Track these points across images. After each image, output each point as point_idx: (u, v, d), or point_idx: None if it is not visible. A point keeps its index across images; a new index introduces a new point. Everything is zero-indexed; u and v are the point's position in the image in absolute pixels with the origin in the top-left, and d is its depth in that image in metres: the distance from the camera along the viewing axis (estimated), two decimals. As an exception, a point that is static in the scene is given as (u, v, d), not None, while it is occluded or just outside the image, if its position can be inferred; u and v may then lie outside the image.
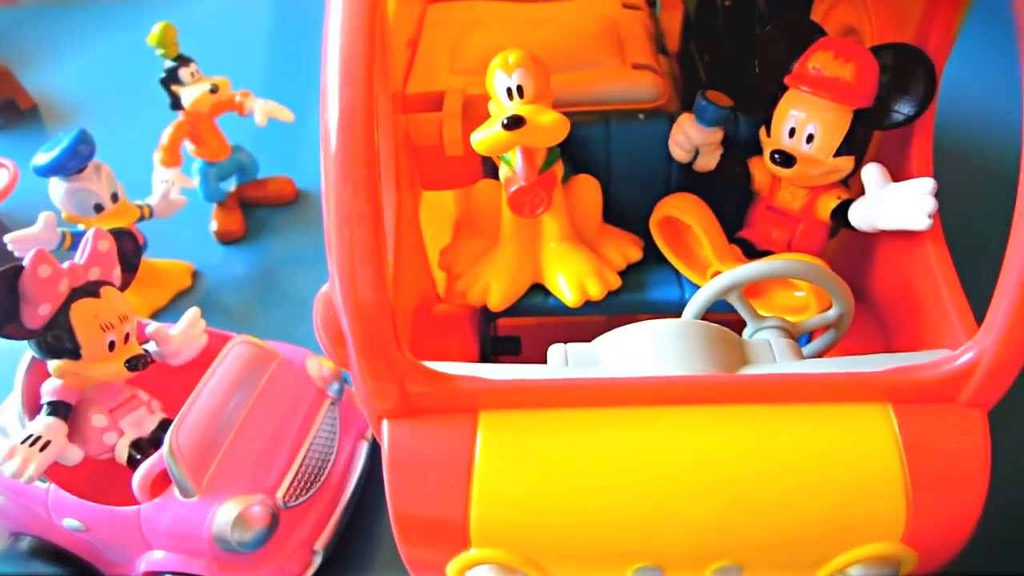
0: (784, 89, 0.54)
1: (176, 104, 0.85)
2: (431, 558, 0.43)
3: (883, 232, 0.52)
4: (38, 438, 0.51)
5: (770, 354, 0.46)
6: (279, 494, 0.55)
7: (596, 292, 0.56)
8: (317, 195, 0.95)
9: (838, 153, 0.52)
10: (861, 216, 0.52)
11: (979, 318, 0.43)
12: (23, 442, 0.51)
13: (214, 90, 0.84)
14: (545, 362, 0.45)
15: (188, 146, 0.89)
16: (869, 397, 0.41)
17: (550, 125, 0.49)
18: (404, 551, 0.43)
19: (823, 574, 0.43)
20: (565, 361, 0.45)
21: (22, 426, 0.54)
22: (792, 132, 0.53)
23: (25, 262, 0.48)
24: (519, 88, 0.50)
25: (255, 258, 0.90)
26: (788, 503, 0.41)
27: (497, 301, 0.57)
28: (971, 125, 0.97)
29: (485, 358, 0.62)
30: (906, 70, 0.50)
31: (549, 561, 0.42)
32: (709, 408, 0.41)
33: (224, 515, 0.52)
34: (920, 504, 0.40)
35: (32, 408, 0.55)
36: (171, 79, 0.84)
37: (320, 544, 0.57)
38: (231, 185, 0.95)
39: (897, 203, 0.49)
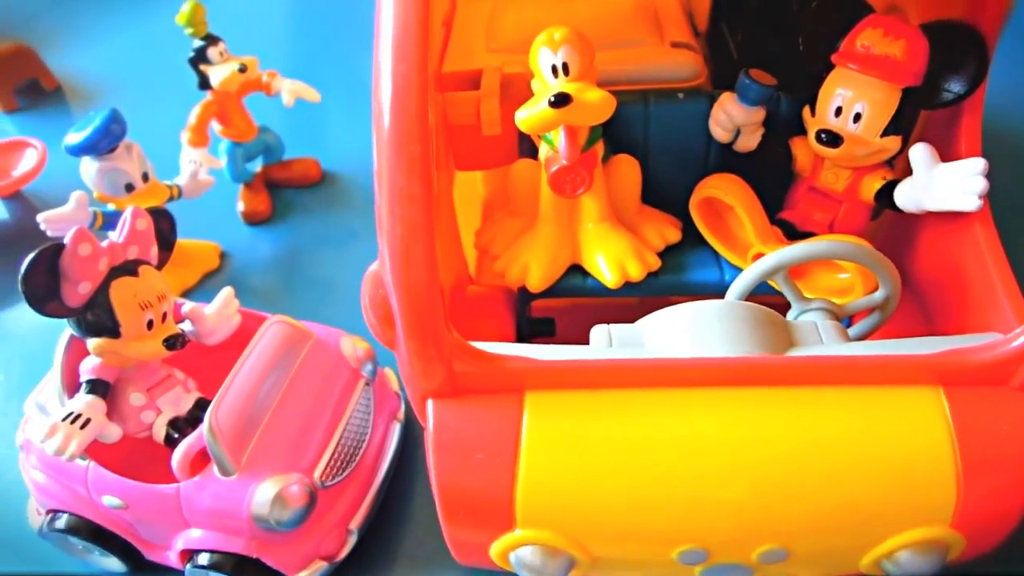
0: (829, 67, 0.53)
1: (204, 84, 0.85)
2: (475, 539, 0.43)
3: (928, 214, 0.51)
4: (78, 416, 0.51)
5: (817, 336, 0.45)
6: (316, 473, 0.54)
7: (636, 273, 0.56)
8: (343, 176, 0.97)
9: (885, 133, 0.51)
10: (908, 197, 0.51)
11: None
12: (64, 419, 0.51)
13: (243, 70, 0.83)
14: (581, 343, 0.45)
15: (215, 126, 0.89)
16: (920, 380, 0.41)
17: (597, 103, 0.48)
18: (448, 532, 0.43)
19: (870, 559, 0.42)
20: (609, 342, 0.45)
21: (61, 404, 0.54)
22: (839, 111, 0.52)
23: (66, 240, 0.48)
24: (564, 66, 0.50)
25: (282, 239, 0.90)
26: (836, 487, 0.40)
27: (536, 282, 0.57)
28: (1017, 99, 0.94)
29: (521, 339, 0.61)
30: (957, 48, 0.49)
31: (594, 543, 0.42)
32: (757, 390, 0.41)
33: (263, 494, 0.51)
34: (970, 488, 0.40)
35: (71, 386, 0.55)
36: (200, 58, 0.84)
37: (355, 524, 0.57)
38: (257, 166, 0.95)
39: (946, 184, 0.49)
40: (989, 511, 0.41)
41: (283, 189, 0.96)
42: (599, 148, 0.55)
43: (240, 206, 0.91)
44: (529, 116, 0.49)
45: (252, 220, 0.91)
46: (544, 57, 0.50)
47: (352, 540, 0.57)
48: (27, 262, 0.47)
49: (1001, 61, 0.52)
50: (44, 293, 0.48)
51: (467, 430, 0.41)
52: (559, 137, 0.51)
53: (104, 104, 0.74)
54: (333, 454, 0.56)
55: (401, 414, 0.65)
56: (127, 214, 0.53)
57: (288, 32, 1.27)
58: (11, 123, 1.11)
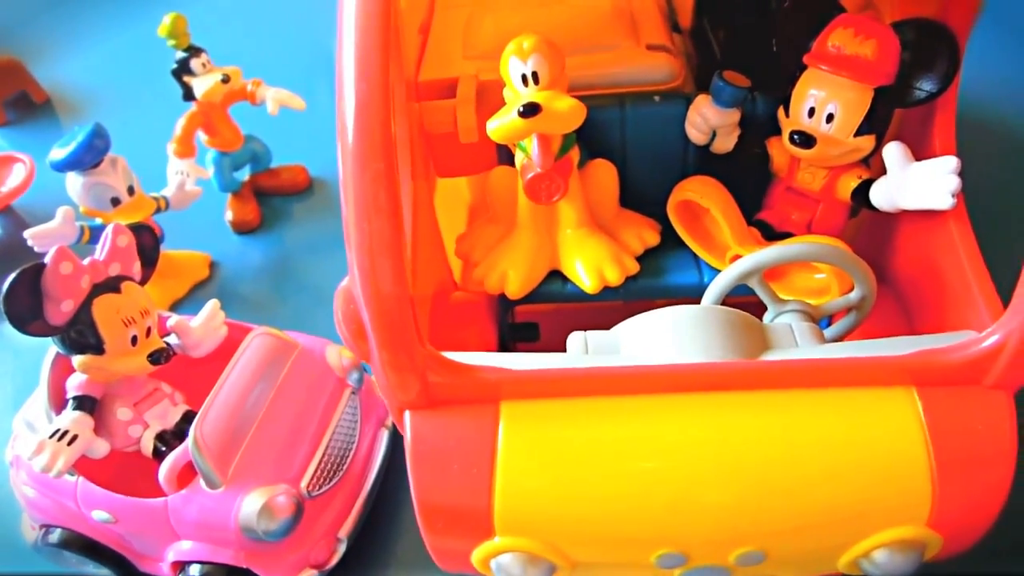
0: (803, 67, 0.53)
1: (188, 95, 0.85)
2: (456, 547, 0.43)
3: (905, 212, 0.51)
4: (65, 432, 0.52)
5: (792, 338, 0.45)
6: (303, 484, 0.55)
7: (614, 278, 0.56)
8: (331, 182, 0.97)
9: (859, 132, 0.51)
10: (883, 196, 0.51)
11: (1004, 298, 0.42)
12: (51, 437, 0.51)
13: (226, 80, 0.84)
14: (564, 348, 0.45)
15: (202, 136, 0.89)
16: (893, 381, 0.41)
17: (566, 112, 0.49)
18: (429, 541, 0.44)
19: (847, 559, 0.42)
20: (585, 349, 0.45)
21: (49, 421, 0.55)
22: (812, 112, 0.52)
23: (47, 259, 0.49)
24: (534, 74, 0.50)
25: (271, 247, 0.91)
26: (812, 489, 0.40)
27: (515, 289, 0.57)
28: (993, 95, 0.95)
29: (503, 345, 0.62)
30: (928, 46, 0.49)
31: (573, 549, 0.42)
32: (731, 395, 0.41)
33: (250, 505, 0.52)
34: (945, 487, 0.40)
35: (58, 403, 0.56)
36: (183, 70, 0.84)
37: (344, 532, 0.58)
38: (245, 175, 0.95)
39: (919, 182, 0.49)
40: (965, 510, 0.41)
41: (271, 197, 0.96)
42: (574, 154, 0.55)
43: (228, 215, 0.92)
44: (500, 126, 0.49)
45: (241, 229, 0.92)
46: (514, 66, 0.51)
47: (342, 548, 0.58)
48: (8, 283, 0.48)
49: (982, 51, 0.51)
50: (27, 313, 0.49)
51: (444, 441, 0.41)
52: (532, 145, 0.51)
53: (93, 116, 0.74)
54: (320, 464, 0.57)
55: (389, 421, 0.65)
56: (108, 231, 0.53)
57: (272, 39, 1.27)
58: (1, 137, 1.12)
